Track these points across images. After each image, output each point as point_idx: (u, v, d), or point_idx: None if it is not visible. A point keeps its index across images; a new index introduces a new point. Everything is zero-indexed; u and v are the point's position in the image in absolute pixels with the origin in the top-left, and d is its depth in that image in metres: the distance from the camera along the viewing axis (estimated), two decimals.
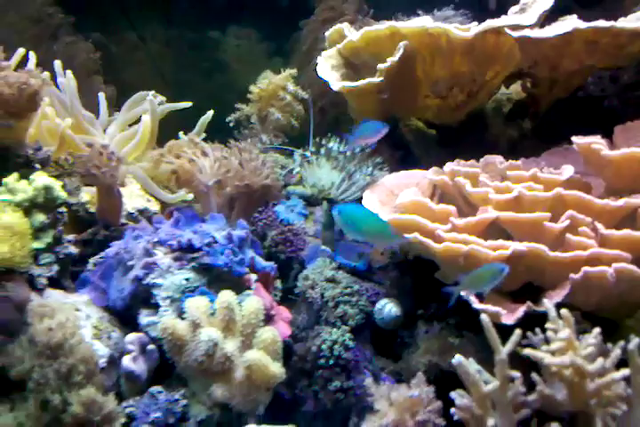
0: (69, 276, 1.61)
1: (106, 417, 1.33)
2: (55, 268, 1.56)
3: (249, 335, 1.45)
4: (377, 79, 1.73)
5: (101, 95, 2.08)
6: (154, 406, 1.39)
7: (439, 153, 2.06)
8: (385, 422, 1.36)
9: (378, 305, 1.63)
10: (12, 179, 1.53)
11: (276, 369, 1.41)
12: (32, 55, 1.87)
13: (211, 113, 2.13)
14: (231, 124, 2.42)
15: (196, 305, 1.42)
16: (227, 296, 1.44)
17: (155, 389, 1.41)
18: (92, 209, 1.78)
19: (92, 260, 1.62)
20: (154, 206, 1.87)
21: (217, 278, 1.55)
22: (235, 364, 1.41)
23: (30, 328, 1.37)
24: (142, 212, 1.82)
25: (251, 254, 1.62)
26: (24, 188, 1.53)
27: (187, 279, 1.51)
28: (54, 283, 1.58)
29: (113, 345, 1.47)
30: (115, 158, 1.62)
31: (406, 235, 1.46)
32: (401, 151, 2.01)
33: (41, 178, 1.55)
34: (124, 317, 1.53)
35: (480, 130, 2.10)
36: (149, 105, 1.95)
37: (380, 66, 1.73)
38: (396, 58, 1.72)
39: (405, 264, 1.76)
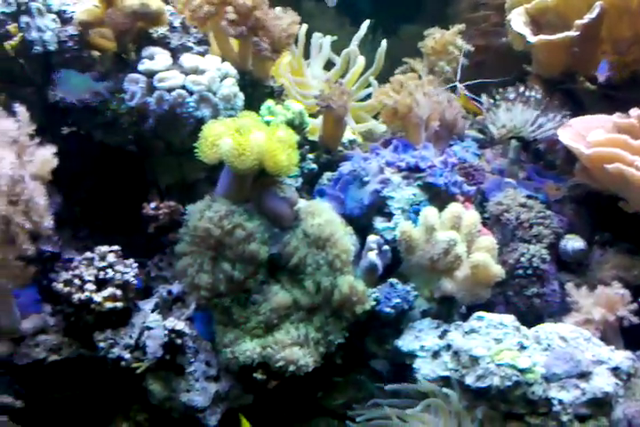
0: (306, 189, 1.84)
1: (360, 298, 1.56)
2: (300, 180, 1.78)
3: (470, 242, 1.63)
4: (573, 33, 1.86)
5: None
6: (394, 294, 1.59)
7: (603, 108, 2.18)
8: (591, 316, 1.55)
9: (562, 241, 1.81)
10: (272, 103, 1.73)
11: (497, 270, 1.59)
12: None
13: (385, 44, 2.20)
14: None
15: (431, 213, 1.62)
16: (456, 207, 1.62)
17: (393, 280, 1.62)
18: (310, 136, 2.00)
19: (324, 176, 1.84)
20: (359, 138, 2.08)
21: (435, 196, 1.73)
22: (461, 263, 1.61)
23: (302, 224, 1.59)
24: (351, 142, 2.02)
25: (458, 179, 1.80)
26: (282, 111, 1.73)
27: (414, 194, 1.71)
28: None
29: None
30: (347, 93, 1.81)
31: (607, 166, 1.63)
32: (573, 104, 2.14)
33: (296, 104, 1.74)
34: (357, 223, 1.74)
35: None
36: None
37: (578, 22, 1.85)
38: (593, 15, 1.83)
39: (581, 197, 1.93)
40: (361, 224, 1.71)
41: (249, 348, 1.52)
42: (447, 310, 1.67)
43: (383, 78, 2.26)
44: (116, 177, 1.82)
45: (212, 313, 1.60)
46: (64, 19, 1.60)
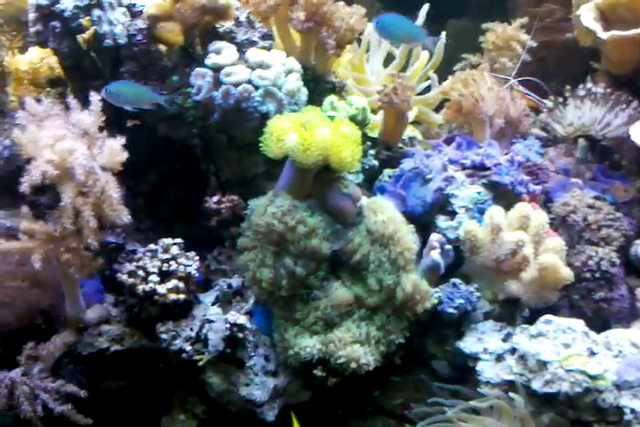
0: (366, 186, 1.81)
1: (423, 297, 1.52)
2: (361, 176, 1.76)
3: (537, 243, 1.58)
4: None
5: None
6: (457, 294, 1.55)
7: None
8: None
9: (633, 246, 1.73)
10: (335, 99, 1.71)
11: (566, 272, 1.53)
12: None
13: (444, 36, 2.07)
14: None
15: (498, 213, 1.57)
16: (524, 206, 1.58)
17: (457, 280, 1.58)
18: (370, 133, 1.97)
19: (385, 173, 1.81)
20: (418, 135, 2.04)
21: (501, 195, 1.68)
22: (528, 265, 1.56)
23: (365, 220, 1.57)
24: (411, 139, 1.98)
25: (524, 178, 1.74)
26: (344, 107, 1.71)
27: (478, 193, 1.66)
28: None
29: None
30: (410, 88, 1.77)
31: None
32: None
33: (359, 100, 1.72)
34: (418, 221, 1.70)
35: None
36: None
37: None
38: None
39: None
40: (422, 222, 1.67)
41: (309, 344, 1.50)
42: (510, 313, 1.62)
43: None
44: (178, 170, 1.84)
45: (270, 308, 1.59)
46: (133, 12, 1.62)
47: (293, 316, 1.55)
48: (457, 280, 1.57)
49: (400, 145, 1.92)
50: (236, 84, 1.58)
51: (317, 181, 1.61)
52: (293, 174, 1.58)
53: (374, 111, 1.95)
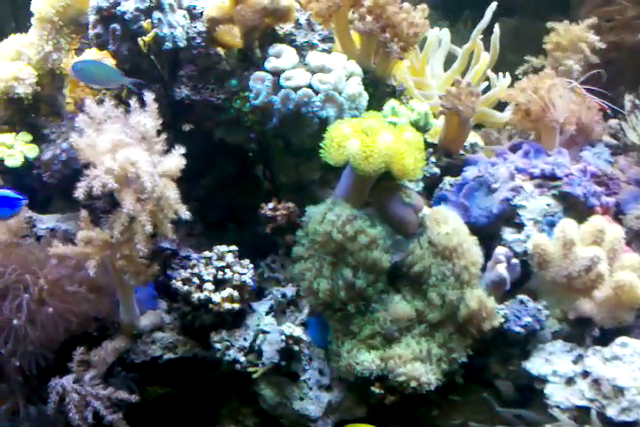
0: (426, 194, 1.74)
1: (489, 314, 1.44)
2: (421, 184, 1.69)
3: (612, 259, 1.48)
4: None
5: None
6: (524, 312, 1.47)
7: None
8: None
9: None
10: (396, 104, 1.64)
11: None
12: None
13: (498, 30, 1.98)
14: (520, 77, 2.41)
15: (571, 226, 1.48)
16: (599, 220, 1.48)
17: (524, 297, 1.49)
18: (429, 138, 1.89)
19: (445, 181, 1.73)
20: (480, 141, 1.95)
21: (571, 207, 1.58)
22: (602, 282, 1.46)
23: (427, 231, 1.50)
24: (473, 145, 1.90)
25: (597, 189, 1.64)
26: (406, 112, 1.64)
27: (548, 205, 1.57)
28: None
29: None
30: (476, 94, 1.69)
31: None
32: None
33: (421, 105, 1.65)
34: (482, 232, 1.62)
35: None
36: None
37: None
38: None
39: None
40: (486, 234, 1.59)
41: (367, 359, 1.44)
42: (581, 333, 1.52)
43: None
44: (231, 175, 1.80)
45: (326, 319, 1.54)
46: (193, 15, 1.58)
47: (350, 329, 1.49)
48: (524, 297, 1.48)
49: (461, 152, 1.84)
50: (296, 89, 1.53)
51: (377, 190, 1.55)
52: (353, 182, 1.53)
53: (435, 116, 1.89)
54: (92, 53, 1.62)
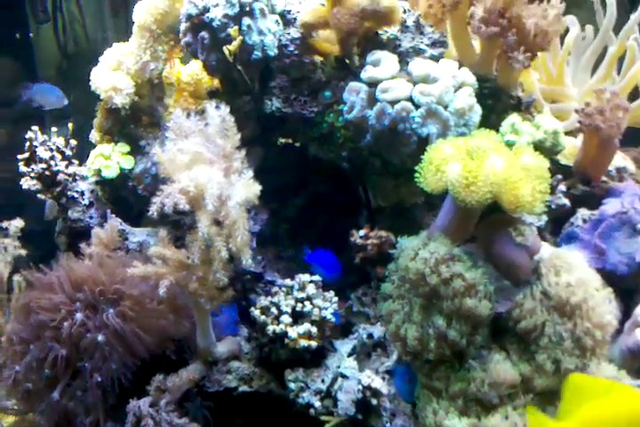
0: (551, 229, 1.45)
1: None
2: (545, 218, 1.40)
3: None
4: None
5: None
6: None
7: None
8: None
9: None
10: (518, 119, 1.37)
11: None
12: None
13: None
14: None
15: None
16: None
17: None
18: (563, 160, 1.58)
19: (578, 215, 1.42)
20: (631, 165, 1.59)
21: None
22: None
23: (543, 280, 1.23)
24: (620, 170, 1.55)
25: None
26: (529, 129, 1.37)
27: None
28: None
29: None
30: (623, 108, 1.36)
31: None
32: None
33: (550, 121, 1.36)
34: (621, 283, 1.31)
35: None
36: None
37: None
38: None
39: None
40: (627, 286, 1.27)
41: (455, 426, 1.21)
42: None
43: None
44: (327, 195, 1.64)
45: (414, 370, 1.33)
46: (287, 20, 1.44)
47: (440, 386, 1.26)
48: None
49: (604, 178, 1.50)
50: (394, 102, 1.32)
51: (485, 223, 1.29)
52: (454, 213, 1.29)
53: (573, 133, 1.57)
54: (198, 62, 1.55)
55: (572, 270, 1.18)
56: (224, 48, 1.35)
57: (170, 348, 1.50)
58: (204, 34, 1.39)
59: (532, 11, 1.38)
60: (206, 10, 1.37)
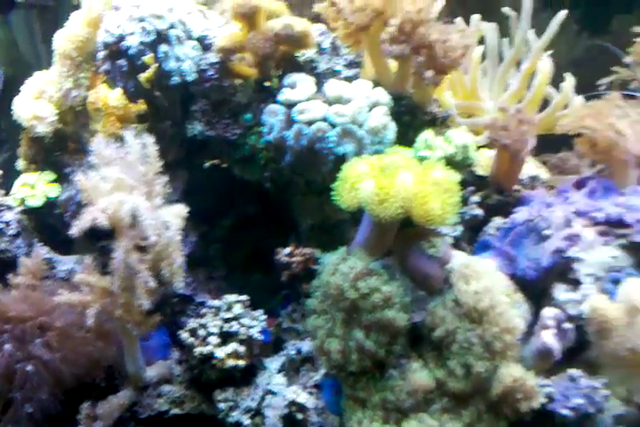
0: (467, 238, 1.53)
1: (528, 393, 1.21)
2: (460, 228, 1.48)
3: None
4: None
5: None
6: (575, 391, 1.22)
7: None
8: None
9: None
10: (431, 135, 1.46)
11: None
12: None
13: (563, 15, 1.70)
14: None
15: (636, 288, 1.22)
16: None
17: (575, 372, 1.25)
18: (480, 172, 1.68)
19: (491, 224, 1.51)
20: (543, 174, 1.70)
21: None
22: None
23: (454, 288, 1.31)
24: (533, 178, 1.65)
25: None
26: (442, 144, 1.46)
27: (613, 258, 1.31)
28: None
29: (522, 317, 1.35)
30: (528, 122, 1.46)
31: None
32: None
33: (460, 135, 1.45)
34: (531, 287, 1.39)
35: None
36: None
37: None
38: None
39: None
40: (536, 289, 1.36)
41: None
42: None
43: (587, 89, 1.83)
44: (256, 215, 1.70)
45: (341, 382, 1.38)
46: (205, 45, 1.50)
47: (364, 396, 1.31)
48: (576, 372, 1.23)
49: (517, 187, 1.60)
50: (310, 123, 1.39)
51: (400, 237, 1.37)
52: (371, 228, 1.36)
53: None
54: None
55: (480, 278, 1.26)
56: (140, 75, 1.41)
57: (99, 375, 1.53)
58: (122, 61, 1.44)
59: (440, 31, 1.48)
60: (122, 38, 1.43)
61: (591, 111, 1.43)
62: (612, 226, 1.32)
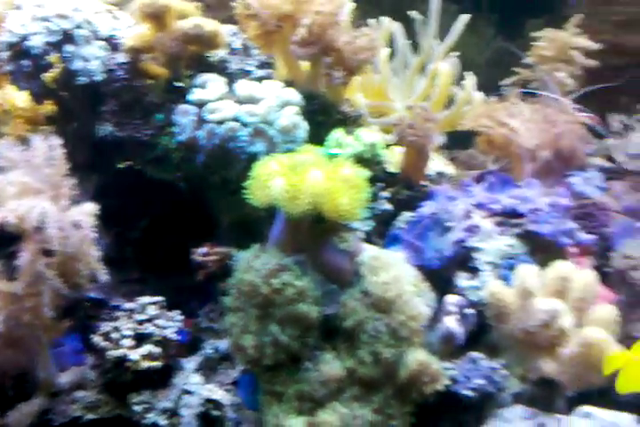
0: (378, 232, 1.60)
1: (433, 376, 1.29)
2: (371, 223, 1.56)
3: (581, 310, 1.31)
4: None
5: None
6: (475, 372, 1.31)
7: None
8: None
9: None
10: (341, 133, 1.53)
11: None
12: None
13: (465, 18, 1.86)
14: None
15: (529, 273, 1.32)
16: (563, 266, 1.31)
17: (476, 354, 1.34)
18: (391, 168, 1.76)
19: (400, 218, 1.59)
20: (450, 170, 1.81)
21: (539, 248, 1.42)
22: (566, 339, 1.29)
23: (363, 280, 1.37)
24: (440, 174, 1.75)
25: (570, 226, 1.47)
26: (352, 143, 1.52)
27: (509, 246, 1.41)
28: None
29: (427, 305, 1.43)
30: (430, 119, 1.56)
31: None
32: None
33: (369, 134, 1.53)
34: (437, 276, 1.48)
35: None
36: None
37: None
38: None
39: None
40: (441, 278, 1.45)
41: (294, 425, 1.31)
42: (547, 395, 1.34)
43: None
44: (172, 215, 1.71)
45: (257, 377, 1.42)
46: (114, 45, 1.51)
47: (281, 390, 1.36)
48: (476, 355, 1.32)
49: (425, 183, 1.70)
50: (221, 122, 1.43)
51: (312, 233, 1.42)
52: (284, 225, 1.40)
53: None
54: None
55: (388, 269, 1.33)
56: (44, 75, 1.40)
57: (7, 384, 1.50)
58: (25, 62, 1.43)
59: (346, 34, 1.55)
60: (26, 38, 1.42)
61: (486, 110, 1.54)
62: (508, 216, 1.43)
